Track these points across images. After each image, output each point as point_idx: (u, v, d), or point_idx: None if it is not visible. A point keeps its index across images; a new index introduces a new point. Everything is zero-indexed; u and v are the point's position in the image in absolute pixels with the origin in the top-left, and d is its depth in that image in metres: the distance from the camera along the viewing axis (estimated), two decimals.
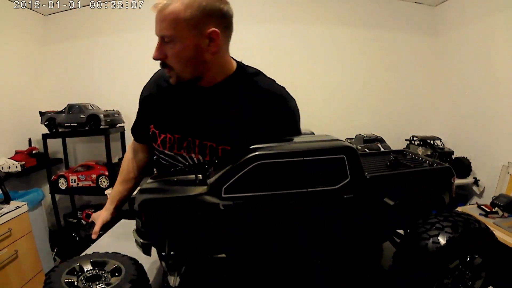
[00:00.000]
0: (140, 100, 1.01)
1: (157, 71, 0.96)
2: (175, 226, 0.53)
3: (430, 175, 0.62)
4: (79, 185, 2.42)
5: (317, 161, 0.53)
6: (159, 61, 0.82)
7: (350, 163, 0.54)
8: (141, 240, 0.55)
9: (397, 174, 0.60)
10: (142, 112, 1.01)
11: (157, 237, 0.54)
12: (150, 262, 0.80)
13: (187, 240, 0.53)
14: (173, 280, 0.55)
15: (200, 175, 0.58)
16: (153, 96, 0.96)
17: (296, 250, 0.56)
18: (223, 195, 0.52)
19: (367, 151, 2.00)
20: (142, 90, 1.00)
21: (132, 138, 1.09)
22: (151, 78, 1.00)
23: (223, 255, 0.54)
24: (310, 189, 0.52)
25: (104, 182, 2.39)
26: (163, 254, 0.53)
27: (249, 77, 0.89)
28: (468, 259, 0.53)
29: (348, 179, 0.54)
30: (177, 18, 0.76)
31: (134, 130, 1.06)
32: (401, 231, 0.63)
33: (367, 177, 0.56)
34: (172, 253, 0.53)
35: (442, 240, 0.50)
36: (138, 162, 1.08)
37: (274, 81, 0.92)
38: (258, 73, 0.92)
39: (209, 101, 0.88)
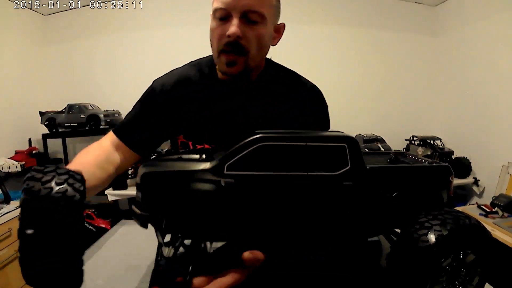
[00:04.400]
0: (156, 102, 0.82)
1: (176, 69, 0.86)
2: (174, 201, 0.53)
3: (428, 171, 0.63)
4: None
5: (319, 147, 0.54)
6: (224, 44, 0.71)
7: (351, 152, 0.55)
8: (139, 211, 0.55)
9: (396, 168, 0.61)
10: (157, 118, 0.82)
11: (155, 210, 0.53)
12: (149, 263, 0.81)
13: (185, 216, 0.53)
14: (167, 251, 0.55)
15: (204, 155, 0.58)
16: (184, 98, 0.82)
17: (293, 234, 0.57)
18: (225, 172, 0.52)
19: (367, 151, 2.00)
20: (161, 91, 0.82)
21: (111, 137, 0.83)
22: (171, 76, 0.84)
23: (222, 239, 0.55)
24: (311, 173, 0.53)
25: None
26: (160, 226, 0.53)
27: (278, 71, 0.87)
28: (461, 255, 0.54)
29: (348, 167, 0.55)
30: (271, 0, 0.74)
31: (129, 132, 0.83)
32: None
33: (367, 168, 0.57)
34: (168, 226, 0.53)
35: (431, 238, 0.51)
36: (114, 163, 0.80)
37: (298, 74, 0.90)
38: (283, 67, 0.89)
39: (251, 100, 0.81)
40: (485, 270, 0.55)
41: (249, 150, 0.53)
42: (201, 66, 0.84)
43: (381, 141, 2.39)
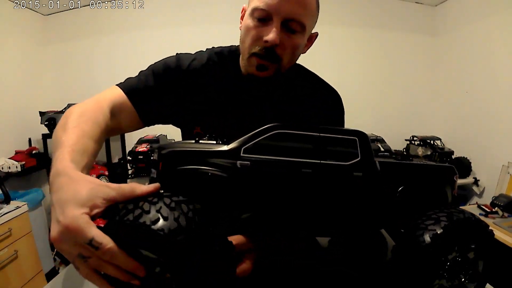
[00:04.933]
0: (179, 78, 0.77)
1: (202, 52, 0.82)
2: (190, 179, 0.54)
3: (434, 170, 0.65)
4: None
5: (331, 138, 0.57)
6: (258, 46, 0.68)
7: (361, 145, 0.58)
8: None
9: (403, 164, 0.63)
10: (179, 95, 0.77)
11: (170, 188, 0.54)
12: None
13: (199, 194, 0.54)
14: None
15: (221, 142, 0.60)
16: (206, 84, 0.78)
17: (302, 219, 0.58)
18: (241, 155, 0.54)
19: None
20: (187, 69, 0.78)
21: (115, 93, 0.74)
22: (199, 58, 0.80)
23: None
24: (323, 161, 0.56)
25: (104, 182, 2.39)
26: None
27: (299, 73, 0.86)
28: (464, 250, 0.55)
29: (358, 159, 0.58)
30: (313, 11, 0.71)
31: (145, 100, 0.75)
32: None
33: (376, 161, 0.60)
34: None
35: (438, 230, 0.52)
36: (110, 131, 0.70)
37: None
38: (306, 70, 0.89)
39: (268, 100, 0.80)
40: (486, 265, 0.56)
41: (265, 136, 0.55)
42: (224, 57, 0.81)
43: (381, 141, 2.39)
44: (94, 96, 0.72)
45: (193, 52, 0.85)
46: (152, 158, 0.57)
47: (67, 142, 0.54)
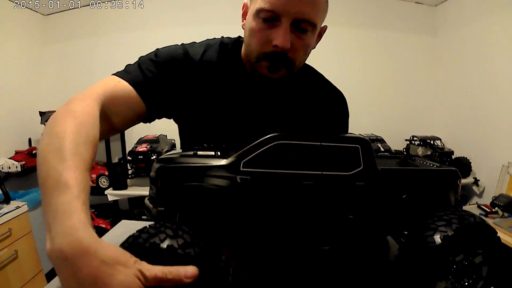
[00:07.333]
0: (189, 67, 0.73)
1: (212, 45, 0.78)
2: (189, 195, 0.53)
3: (437, 175, 0.64)
4: None
5: (333, 147, 0.56)
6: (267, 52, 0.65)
7: (363, 153, 0.57)
8: (152, 206, 0.55)
9: (407, 170, 0.63)
10: (190, 87, 0.73)
11: (169, 205, 0.53)
12: None
13: (199, 211, 0.53)
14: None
15: (219, 152, 0.59)
16: (212, 80, 0.74)
17: (305, 232, 0.58)
18: (241, 169, 0.53)
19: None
20: (200, 60, 0.74)
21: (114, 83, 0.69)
22: (211, 49, 0.77)
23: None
24: (325, 172, 0.55)
25: (104, 182, 2.39)
26: (174, 221, 0.53)
27: (305, 74, 0.83)
28: (471, 254, 0.54)
29: (361, 168, 0.56)
30: (323, 6, 0.65)
31: (151, 90, 0.69)
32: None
33: (379, 169, 0.59)
34: (182, 221, 0.53)
35: (449, 232, 0.51)
36: (105, 131, 0.63)
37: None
38: (312, 70, 0.86)
39: (272, 99, 0.77)
40: (491, 271, 0.55)
41: (265, 148, 0.54)
42: (233, 50, 0.77)
43: (381, 141, 2.39)
44: (82, 93, 0.62)
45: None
46: (150, 174, 0.56)
47: (73, 184, 0.42)
